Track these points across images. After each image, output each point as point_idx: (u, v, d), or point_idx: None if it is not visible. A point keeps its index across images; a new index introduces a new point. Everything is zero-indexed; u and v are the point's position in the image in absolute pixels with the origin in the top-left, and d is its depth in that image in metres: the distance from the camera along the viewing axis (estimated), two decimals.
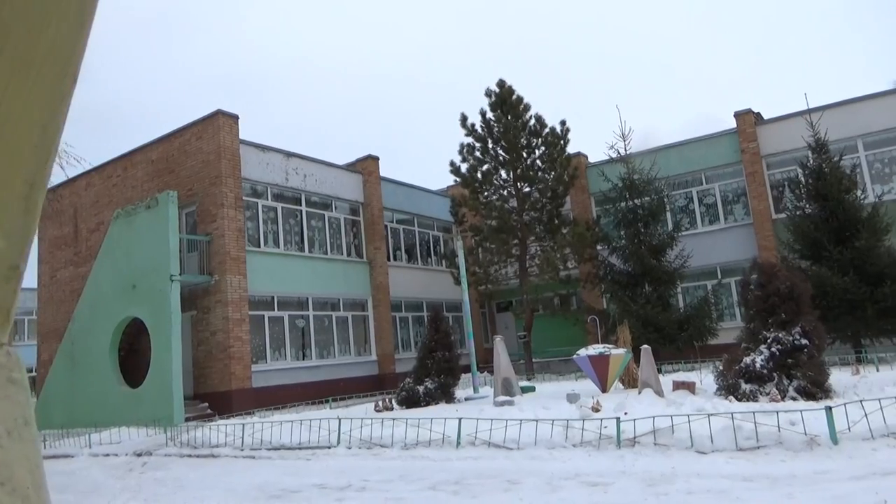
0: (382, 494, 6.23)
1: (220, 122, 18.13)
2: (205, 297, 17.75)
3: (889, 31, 71.75)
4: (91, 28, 0.60)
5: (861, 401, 7.11)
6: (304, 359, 19.71)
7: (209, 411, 16.44)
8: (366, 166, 23.29)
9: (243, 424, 10.70)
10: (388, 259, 23.51)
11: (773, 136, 21.87)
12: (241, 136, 18.76)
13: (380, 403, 13.41)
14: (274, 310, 19.12)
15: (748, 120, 22.29)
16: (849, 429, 6.62)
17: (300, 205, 20.77)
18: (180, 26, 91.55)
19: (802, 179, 17.91)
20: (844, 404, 7.03)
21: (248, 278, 18.01)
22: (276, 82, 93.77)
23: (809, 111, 18.41)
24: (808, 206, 17.11)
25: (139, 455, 10.74)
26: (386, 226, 23.82)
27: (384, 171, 23.83)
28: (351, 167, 23.21)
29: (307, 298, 20.21)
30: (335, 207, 22.12)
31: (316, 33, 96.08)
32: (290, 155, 20.59)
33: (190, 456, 10.19)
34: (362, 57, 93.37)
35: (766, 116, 22.95)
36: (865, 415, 6.75)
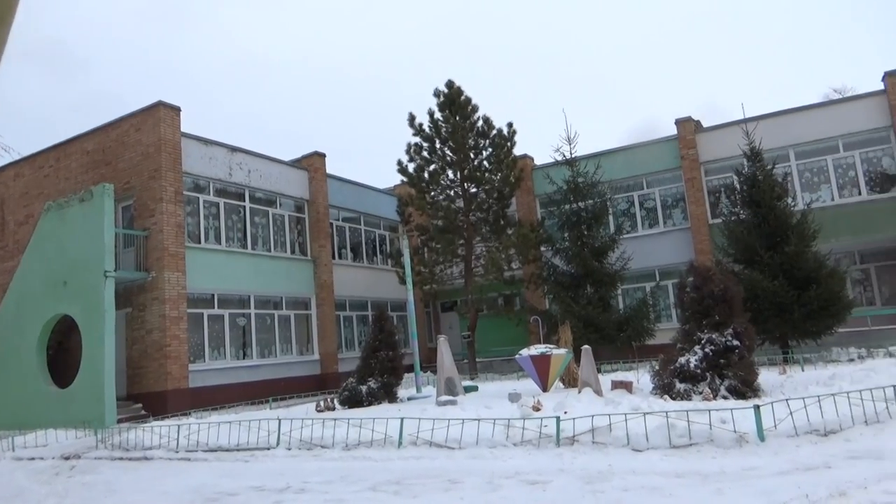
0: (322, 496, 6.16)
1: (160, 114, 17.58)
2: (141, 294, 17.18)
3: (823, 45, 75.27)
4: (12, 23, 0.57)
5: (787, 399, 7.43)
6: (244, 358, 19.32)
7: (143, 412, 15.93)
8: (312, 163, 23.00)
9: (178, 426, 10.40)
10: (333, 257, 23.28)
11: (712, 144, 22.65)
12: (184, 128, 18.25)
13: (321, 403, 13.25)
14: (214, 308, 18.66)
15: (688, 127, 23.02)
16: (775, 426, 6.91)
17: (244, 201, 20.34)
18: (131, 16, 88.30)
19: (738, 186, 18.57)
20: (772, 403, 7.32)
21: (188, 275, 17.53)
22: (224, 77, 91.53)
23: (745, 120, 19.15)
24: (742, 211, 17.75)
25: (67, 458, 10.31)
26: (331, 223, 23.58)
27: (331, 169, 23.61)
28: (297, 163, 22.88)
29: (249, 296, 19.81)
30: (280, 204, 21.75)
31: (268, 30, 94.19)
32: (234, 149, 20.14)
33: (122, 459, 9.84)
34: (312, 53, 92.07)
35: (705, 124, 23.75)
36: (791, 413, 7.06)
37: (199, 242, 18.60)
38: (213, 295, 18.68)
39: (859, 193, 20.78)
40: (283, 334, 20.91)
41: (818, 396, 7.41)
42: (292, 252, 21.99)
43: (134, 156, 17.89)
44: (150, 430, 10.66)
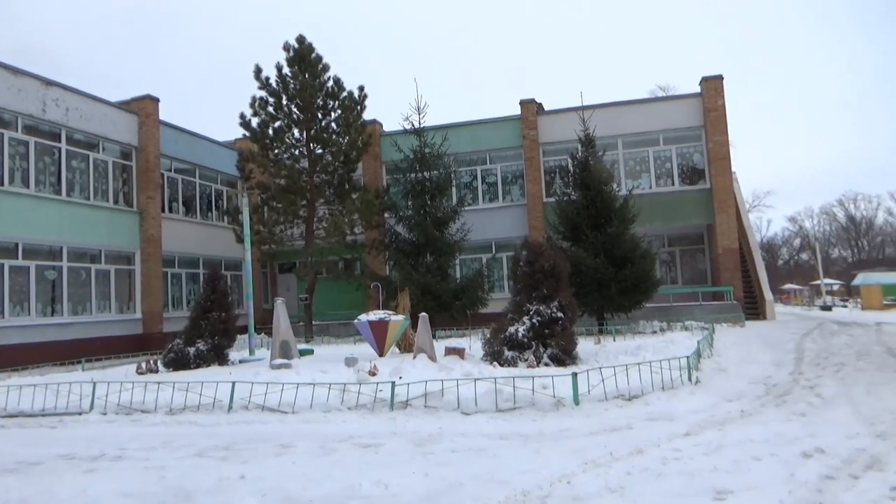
0: (141, 463, 5.81)
1: None
2: None
3: (654, 43, 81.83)
4: None
5: (600, 368, 8.18)
6: (53, 315, 17.54)
7: None
8: (143, 107, 21.09)
9: None
10: (163, 210, 21.70)
11: (551, 127, 23.92)
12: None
13: (143, 365, 12.44)
14: (17, 258, 16.70)
15: (531, 109, 24.09)
16: (589, 392, 7.59)
17: (59, 142, 18.24)
18: None
19: (571, 169, 19.80)
20: (587, 371, 8.03)
21: None
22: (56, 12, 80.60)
23: (583, 108, 20.38)
24: (573, 193, 18.96)
25: None
26: (163, 174, 21.90)
27: (165, 115, 21.84)
28: (125, 106, 20.87)
29: (61, 247, 17.94)
30: (103, 149, 19.78)
31: None
32: (49, 83, 17.93)
33: None
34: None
35: (546, 108, 24.98)
36: (602, 380, 7.79)
37: (2, 184, 16.47)
38: (16, 244, 16.70)
39: (673, 184, 23.09)
40: (101, 290, 19.23)
41: (626, 365, 8.25)
42: (115, 202, 20.16)
43: None
44: None
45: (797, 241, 72.03)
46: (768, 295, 22.35)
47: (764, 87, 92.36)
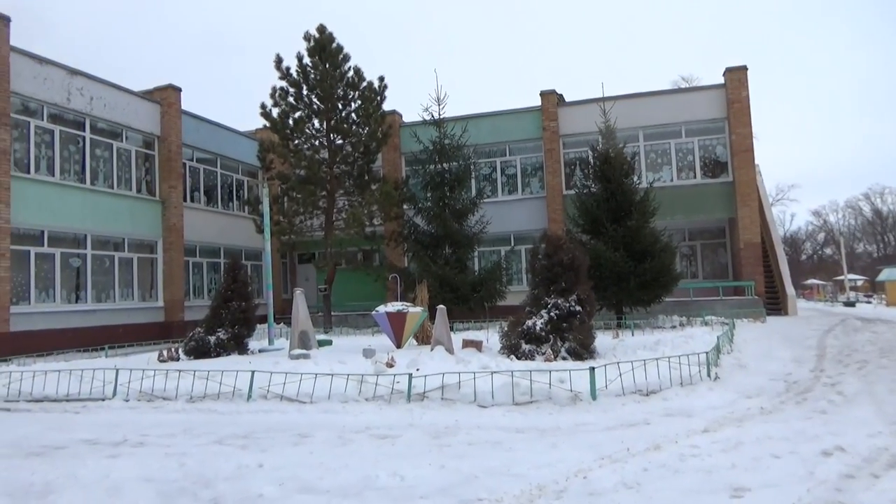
0: (163, 450, 5.91)
1: None
2: None
3: (676, 35, 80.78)
4: None
5: (618, 362, 8.14)
6: (77, 301, 17.83)
7: None
8: (165, 96, 21.28)
9: None
10: (185, 199, 21.92)
11: (572, 118, 23.73)
12: (14, 42, 16.15)
13: (164, 353, 12.62)
14: (43, 245, 16.99)
15: (552, 100, 23.91)
16: (606, 386, 7.56)
17: (83, 130, 18.49)
18: None
19: (591, 161, 19.62)
20: (605, 365, 8.00)
21: (12, 208, 15.79)
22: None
23: (604, 99, 20.19)
24: (593, 185, 18.78)
25: None
26: (184, 163, 22.11)
27: (187, 105, 22.01)
28: (147, 95, 21.07)
29: (85, 235, 18.21)
30: (126, 137, 20.01)
31: None
32: (74, 72, 18.15)
33: None
34: None
35: (567, 99, 24.78)
36: (620, 374, 7.75)
37: (28, 172, 16.74)
38: (42, 231, 16.99)
39: (694, 177, 22.83)
40: (124, 278, 19.51)
41: (644, 360, 8.19)
42: (138, 191, 20.41)
43: None
44: None
45: (821, 236, 71.03)
46: (790, 290, 22.06)
47: (789, 78, 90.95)
